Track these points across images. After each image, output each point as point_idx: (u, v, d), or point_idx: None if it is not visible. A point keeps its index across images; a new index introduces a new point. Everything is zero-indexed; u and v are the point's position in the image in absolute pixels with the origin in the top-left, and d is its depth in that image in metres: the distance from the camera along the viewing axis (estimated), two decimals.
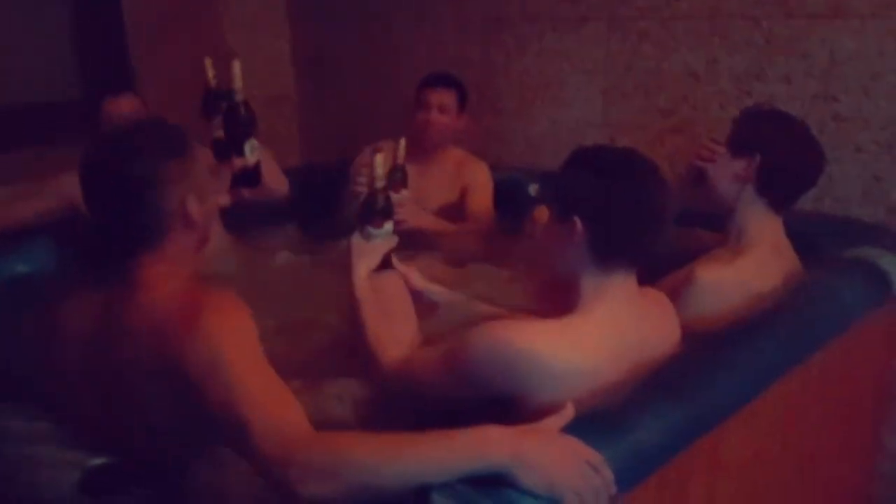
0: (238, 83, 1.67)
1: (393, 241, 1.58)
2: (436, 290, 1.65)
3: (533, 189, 2.65)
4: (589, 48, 2.62)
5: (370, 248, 1.55)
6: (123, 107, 2.30)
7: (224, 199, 1.71)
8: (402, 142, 2.00)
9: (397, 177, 2.19)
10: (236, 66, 1.66)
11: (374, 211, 1.55)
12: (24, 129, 2.94)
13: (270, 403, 1.11)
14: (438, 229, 2.45)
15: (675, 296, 1.56)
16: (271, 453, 1.05)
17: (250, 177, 1.73)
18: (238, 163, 1.69)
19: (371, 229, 1.54)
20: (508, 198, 2.59)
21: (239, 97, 1.69)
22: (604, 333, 1.29)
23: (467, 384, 1.28)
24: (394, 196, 2.24)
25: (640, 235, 1.31)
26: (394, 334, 1.50)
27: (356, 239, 1.55)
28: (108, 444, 1.22)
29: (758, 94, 2.29)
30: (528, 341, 1.23)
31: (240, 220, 2.26)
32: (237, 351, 1.14)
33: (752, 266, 1.67)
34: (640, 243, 1.32)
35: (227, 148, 1.74)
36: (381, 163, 1.55)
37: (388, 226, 1.56)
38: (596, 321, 1.29)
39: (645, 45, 2.49)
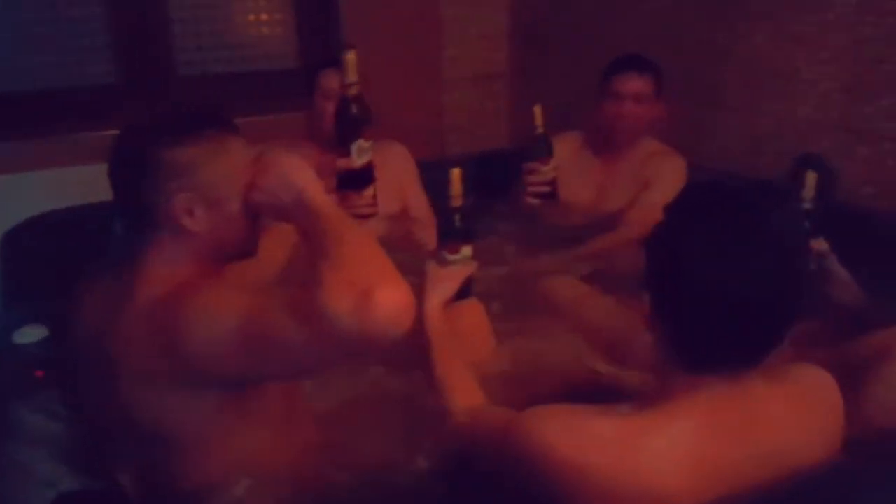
0: (352, 76, 1.50)
1: (471, 267, 1.36)
2: None
3: None
4: (831, 33, 2.10)
5: (445, 275, 1.35)
6: (335, 81, 2.21)
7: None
8: (538, 107, 1.98)
9: (540, 147, 2.10)
10: (350, 57, 1.49)
11: (451, 233, 1.34)
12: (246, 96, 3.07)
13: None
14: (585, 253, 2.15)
15: (862, 371, 1.16)
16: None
17: (356, 179, 1.56)
18: (342, 163, 1.53)
19: (446, 254, 1.34)
20: None
21: (352, 91, 1.52)
22: (691, 448, 0.95)
23: (510, 474, 1.03)
24: (538, 169, 2.06)
25: (745, 333, 0.94)
26: (464, 377, 1.28)
27: (431, 265, 1.36)
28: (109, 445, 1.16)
29: None
30: (579, 449, 0.95)
31: None
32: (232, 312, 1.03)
33: None
34: (746, 341, 0.96)
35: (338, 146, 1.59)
36: (457, 178, 1.32)
37: (467, 250, 1.35)
38: (682, 429, 0.96)
39: None
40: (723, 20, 2.38)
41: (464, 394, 1.25)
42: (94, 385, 1.18)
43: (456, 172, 1.34)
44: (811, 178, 1.66)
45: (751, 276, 0.90)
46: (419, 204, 2.36)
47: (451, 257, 1.35)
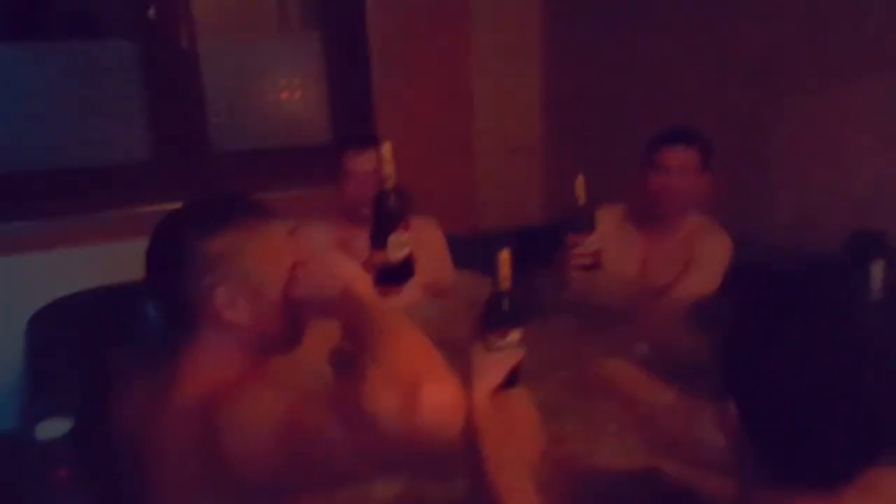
0: (389, 168, 1.45)
1: (520, 353, 1.28)
2: None
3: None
4: (887, 105, 2.02)
5: (493, 362, 1.27)
6: (365, 163, 2.17)
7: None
8: (580, 179, 1.96)
9: (582, 220, 2.05)
10: (386, 149, 1.44)
11: (499, 316, 1.27)
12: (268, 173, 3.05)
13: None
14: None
15: None
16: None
17: (394, 275, 1.48)
18: (378, 257, 1.46)
19: (494, 339, 1.26)
20: (755, 284, 2.08)
21: (389, 184, 1.46)
22: None
23: None
24: (582, 241, 2.02)
25: (841, 443, 0.84)
26: (520, 479, 1.17)
27: (477, 351, 1.27)
28: None
29: None
30: None
31: None
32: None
33: None
34: (841, 452, 0.85)
35: (374, 240, 1.53)
36: (506, 261, 1.25)
37: (515, 335, 1.27)
38: None
39: None
40: (769, 91, 2.32)
41: (514, 496, 1.15)
42: (129, 486, 1.10)
43: (505, 255, 1.27)
44: (878, 269, 1.57)
45: (845, 383, 0.82)
46: (447, 276, 2.32)
47: (499, 343, 1.27)
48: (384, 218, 1.47)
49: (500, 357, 1.27)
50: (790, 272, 1.03)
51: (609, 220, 2.32)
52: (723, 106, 2.46)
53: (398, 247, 1.47)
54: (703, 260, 2.15)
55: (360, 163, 2.16)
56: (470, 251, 2.40)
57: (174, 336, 1.08)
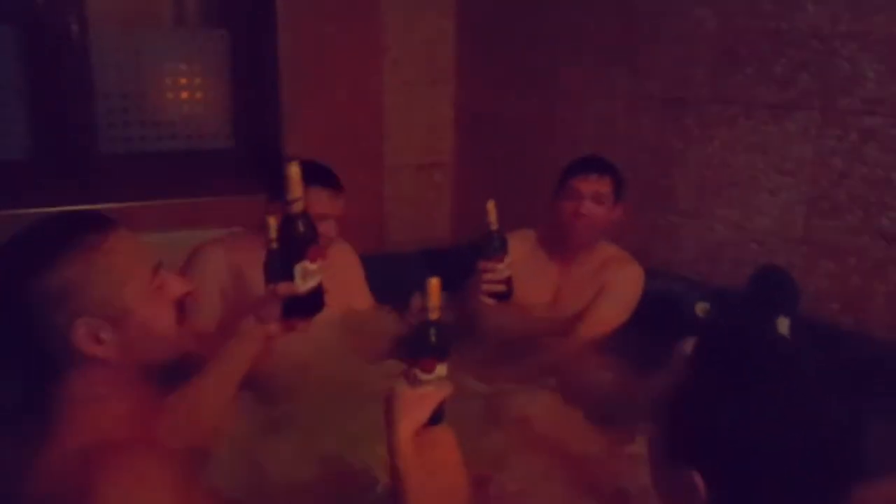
0: (296, 191, 1.33)
1: (448, 388, 1.19)
2: None
3: (700, 308, 2.14)
4: (794, 144, 2.07)
5: (419, 398, 1.17)
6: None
7: (273, 330, 1.38)
8: (491, 204, 1.96)
9: (494, 245, 2.04)
10: (294, 170, 1.32)
11: (426, 349, 1.17)
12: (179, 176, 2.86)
13: None
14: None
15: None
16: None
17: (305, 305, 1.37)
18: (283, 289, 1.34)
19: (419, 373, 1.17)
20: (665, 315, 2.09)
21: (297, 207, 1.34)
22: None
23: None
24: (493, 268, 1.99)
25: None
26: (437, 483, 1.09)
27: (401, 386, 1.18)
28: None
29: None
30: None
31: None
32: None
33: None
34: None
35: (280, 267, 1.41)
36: (436, 290, 1.17)
37: (442, 369, 1.19)
38: None
39: (870, 146, 1.91)
40: (679, 127, 2.34)
41: None
42: None
43: (434, 283, 1.18)
44: (783, 324, 1.59)
45: (817, 445, 0.78)
46: (364, 304, 2.21)
47: (426, 377, 1.18)
48: (292, 244, 1.35)
49: (425, 392, 1.18)
50: (733, 324, 0.99)
51: (521, 245, 2.27)
52: (634, 137, 2.47)
53: (307, 276, 1.35)
54: (616, 290, 2.14)
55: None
56: (376, 272, 2.31)
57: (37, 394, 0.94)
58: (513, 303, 2.21)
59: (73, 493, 0.86)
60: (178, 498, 0.87)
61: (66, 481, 0.87)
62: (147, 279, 1.00)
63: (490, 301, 2.07)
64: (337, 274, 2.15)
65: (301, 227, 1.34)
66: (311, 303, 1.37)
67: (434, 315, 1.19)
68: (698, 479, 0.80)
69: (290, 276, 1.34)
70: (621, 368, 1.99)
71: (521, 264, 2.23)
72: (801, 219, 2.06)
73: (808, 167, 2.04)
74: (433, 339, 1.19)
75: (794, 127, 2.06)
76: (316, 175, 1.92)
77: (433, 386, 1.20)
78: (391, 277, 2.32)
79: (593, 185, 2.10)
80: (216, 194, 2.75)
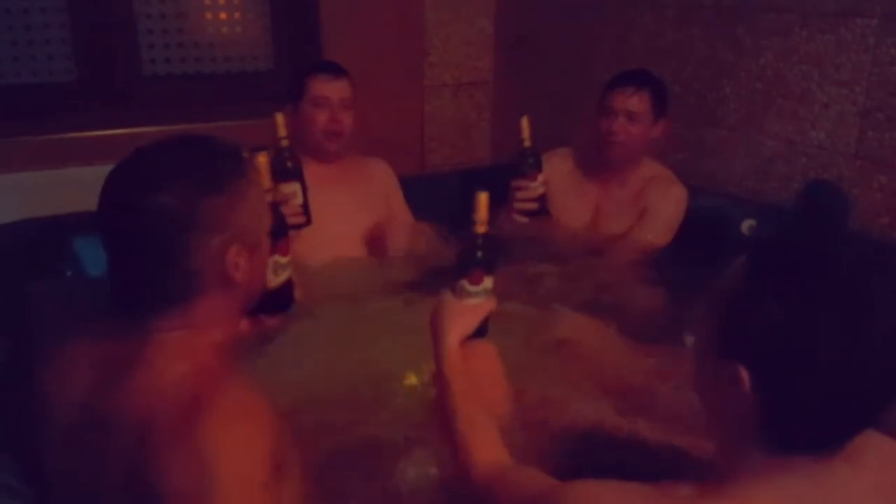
0: (264, 182, 1.31)
1: (493, 301, 1.22)
2: None
3: (747, 226, 2.12)
4: (850, 53, 1.99)
5: (465, 309, 1.20)
6: (339, 91, 1.99)
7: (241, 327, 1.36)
8: (525, 120, 1.99)
9: (528, 162, 2.05)
10: (260, 161, 1.29)
11: (473, 262, 1.19)
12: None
13: None
14: None
15: None
16: None
17: (275, 300, 1.34)
18: None
19: (467, 285, 1.19)
20: (712, 233, 2.06)
21: (267, 196, 1.24)
22: None
23: None
24: (526, 185, 2.02)
25: (853, 409, 0.80)
26: (487, 428, 1.12)
27: (447, 296, 1.20)
28: None
29: None
30: None
31: None
32: (234, 475, 0.87)
33: None
34: (853, 419, 0.82)
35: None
36: (484, 203, 1.18)
37: (489, 282, 1.21)
38: None
39: None
40: (730, 38, 2.26)
41: (487, 448, 1.10)
42: (86, 454, 0.99)
43: (483, 197, 1.19)
44: (746, 225, 1.58)
45: (871, 347, 0.77)
46: (404, 219, 2.21)
47: (473, 289, 1.20)
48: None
49: (472, 305, 1.20)
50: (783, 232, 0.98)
51: (560, 164, 2.26)
52: (683, 49, 2.40)
53: (278, 270, 1.34)
54: (659, 212, 2.11)
55: (334, 90, 2.00)
56: (417, 192, 2.31)
57: (141, 311, 0.96)
58: (552, 223, 2.21)
59: (178, 415, 0.89)
60: (273, 431, 0.91)
61: (170, 403, 0.90)
62: (269, 223, 1.05)
63: (523, 219, 2.07)
64: (377, 190, 2.17)
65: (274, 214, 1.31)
66: (282, 298, 1.36)
67: (482, 228, 1.20)
68: (743, 373, 0.80)
69: None
70: (664, 289, 1.98)
71: (560, 184, 2.22)
72: (855, 131, 2.00)
73: (865, 78, 1.96)
74: (481, 251, 1.20)
75: (851, 36, 1.97)
76: (313, 65, 2.06)
77: (480, 298, 1.22)
78: (431, 198, 2.32)
79: (628, 101, 2.04)
80: (259, 116, 2.75)
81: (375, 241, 2.08)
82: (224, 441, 0.87)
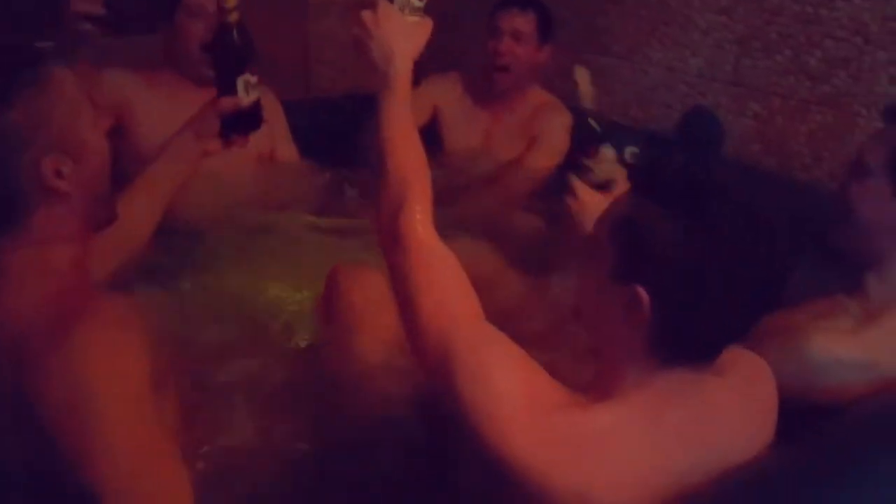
0: (230, 0, 1.27)
1: (427, 23, 1.13)
2: None
3: (629, 153, 2.15)
4: None
5: (409, 26, 1.10)
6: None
7: (212, 147, 1.33)
8: (582, 71, 1.48)
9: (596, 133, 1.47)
10: None
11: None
12: None
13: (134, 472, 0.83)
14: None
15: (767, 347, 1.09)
16: None
17: (246, 120, 1.33)
18: (227, 103, 1.29)
19: (591, 162, 1.20)
20: None
21: (233, 17, 1.27)
22: (634, 442, 0.86)
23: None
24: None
25: (731, 321, 0.86)
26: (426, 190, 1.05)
27: (389, 9, 1.10)
28: None
29: None
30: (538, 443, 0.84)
31: None
32: (108, 381, 0.85)
33: (890, 338, 1.16)
34: (730, 332, 0.88)
35: (218, 83, 1.35)
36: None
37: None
38: (641, 432, 0.86)
39: None
40: None
41: (426, 197, 1.03)
42: None
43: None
44: (629, 153, 1.60)
45: (748, 263, 0.83)
46: (289, 153, 2.12)
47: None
48: (232, 55, 1.30)
49: (412, 21, 1.10)
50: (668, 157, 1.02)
51: (450, 89, 2.23)
52: None
53: (250, 88, 1.31)
54: (548, 139, 2.10)
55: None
56: (301, 119, 2.23)
57: None
58: (442, 148, 2.19)
59: (46, 331, 0.85)
60: (148, 342, 0.89)
61: (36, 320, 0.87)
62: (89, 107, 0.98)
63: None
64: None
65: (239, 38, 1.29)
66: (252, 118, 1.34)
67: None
68: (643, 294, 0.83)
69: (232, 90, 1.29)
70: (551, 216, 2.01)
71: (450, 108, 2.20)
72: (732, 59, 2.06)
73: (742, 5, 2.01)
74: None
75: None
76: None
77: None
78: (318, 125, 2.25)
79: (514, 20, 2.05)
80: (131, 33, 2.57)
81: (258, 180, 2.00)
82: (95, 349, 0.84)
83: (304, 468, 1.14)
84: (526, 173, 2.11)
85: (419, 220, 1.00)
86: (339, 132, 2.12)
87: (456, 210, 1.99)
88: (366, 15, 1.09)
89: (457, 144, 2.21)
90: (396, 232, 1.00)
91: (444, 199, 1.97)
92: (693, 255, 0.82)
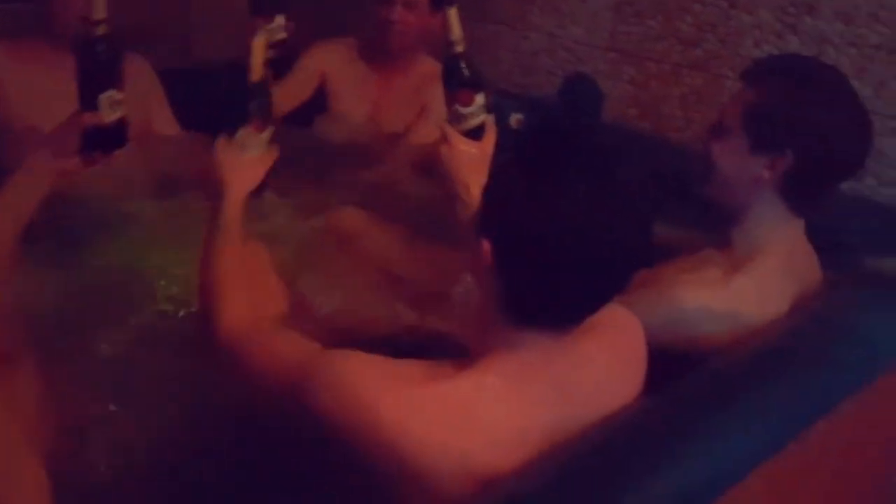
0: (100, 12, 1.19)
1: (273, 152, 1.22)
2: None
3: (514, 120, 2.20)
4: None
5: (246, 162, 1.18)
6: None
7: (71, 165, 1.25)
8: (454, 12, 1.35)
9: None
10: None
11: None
12: None
13: None
14: None
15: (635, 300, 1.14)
16: None
17: (108, 138, 1.26)
18: (87, 119, 1.21)
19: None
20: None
21: (100, 30, 1.20)
22: (518, 419, 0.89)
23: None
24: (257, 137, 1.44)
25: (584, 285, 0.87)
26: (251, 287, 1.14)
27: (228, 147, 1.17)
28: None
29: (805, 32, 1.80)
30: (404, 417, 0.85)
31: None
32: None
33: (753, 287, 1.24)
34: (587, 296, 0.89)
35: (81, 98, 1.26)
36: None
37: (267, 134, 1.21)
38: (509, 395, 0.89)
39: None
40: None
41: (241, 306, 1.10)
42: None
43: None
44: (514, 119, 1.65)
45: (602, 225, 0.83)
46: (168, 127, 2.06)
47: (251, 139, 1.19)
48: (96, 70, 1.22)
49: (251, 156, 1.19)
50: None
51: (341, 55, 2.21)
52: None
53: (114, 105, 1.23)
54: (438, 108, 2.10)
55: None
56: (179, 90, 2.15)
57: None
58: (331, 114, 2.17)
59: None
60: None
61: None
62: None
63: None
64: (134, 94, 1.98)
65: (106, 53, 1.22)
66: (116, 135, 1.27)
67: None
68: (486, 246, 0.86)
69: (93, 106, 1.22)
70: (439, 185, 2.02)
71: (340, 74, 2.18)
72: (609, 25, 2.12)
73: None
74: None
75: None
76: None
77: (258, 150, 1.20)
78: (199, 95, 2.18)
79: None
80: None
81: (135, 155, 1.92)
82: None
83: (177, 440, 1.14)
84: (416, 142, 2.12)
85: (231, 324, 1.07)
86: (222, 102, 2.06)
87: (348, 179, 1.98)
88: (218, 144, 1.20)
89: (347, 111, 2.19)
90: (216, 338, 1.08)
91: (336, 168, 2.00)
92: (543, 216, 0.83)
